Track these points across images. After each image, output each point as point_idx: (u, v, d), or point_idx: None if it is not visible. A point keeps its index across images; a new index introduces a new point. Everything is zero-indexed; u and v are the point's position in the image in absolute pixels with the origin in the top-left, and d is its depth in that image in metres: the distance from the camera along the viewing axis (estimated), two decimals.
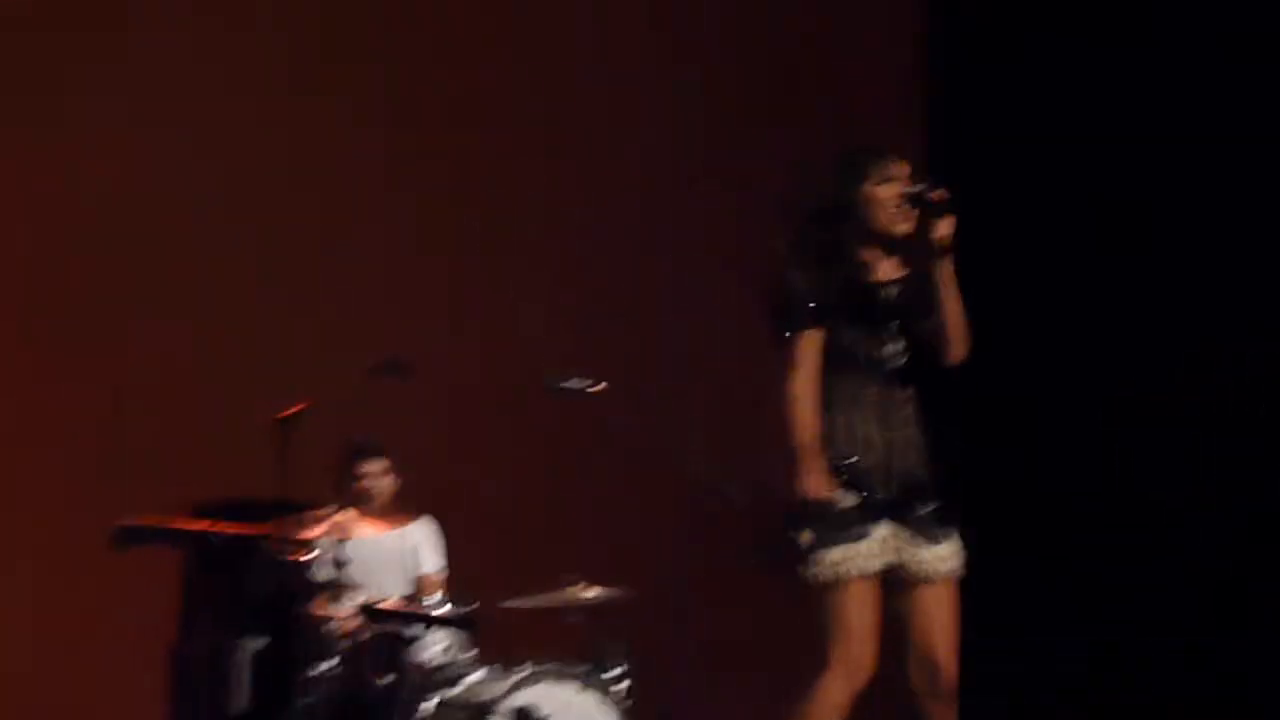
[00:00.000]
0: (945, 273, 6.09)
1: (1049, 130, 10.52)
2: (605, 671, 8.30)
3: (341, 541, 8.43)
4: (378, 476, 8.92)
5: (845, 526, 5.98)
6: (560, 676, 8.14)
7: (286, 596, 8.44)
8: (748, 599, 8.71)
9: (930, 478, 6.16)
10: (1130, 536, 10.02)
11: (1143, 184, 10.09)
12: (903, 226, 6.14)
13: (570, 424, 9.36)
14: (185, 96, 10.03)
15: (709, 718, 8.84)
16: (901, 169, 6.18)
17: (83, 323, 9.74)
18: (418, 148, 10.58)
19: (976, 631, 9.60)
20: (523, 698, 8.00)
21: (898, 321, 6.15)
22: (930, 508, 6.12)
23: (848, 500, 6.00)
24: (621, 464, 10.20)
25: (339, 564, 8.36)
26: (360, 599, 8.42)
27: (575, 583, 8.42)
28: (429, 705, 8.11)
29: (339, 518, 8.43)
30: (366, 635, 8.28)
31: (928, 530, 6.09)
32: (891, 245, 6.18)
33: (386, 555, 8.91)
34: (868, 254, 6.19)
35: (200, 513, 8.64)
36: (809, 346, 6.08)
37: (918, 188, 6.13)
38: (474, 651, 8.37)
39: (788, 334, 6.11)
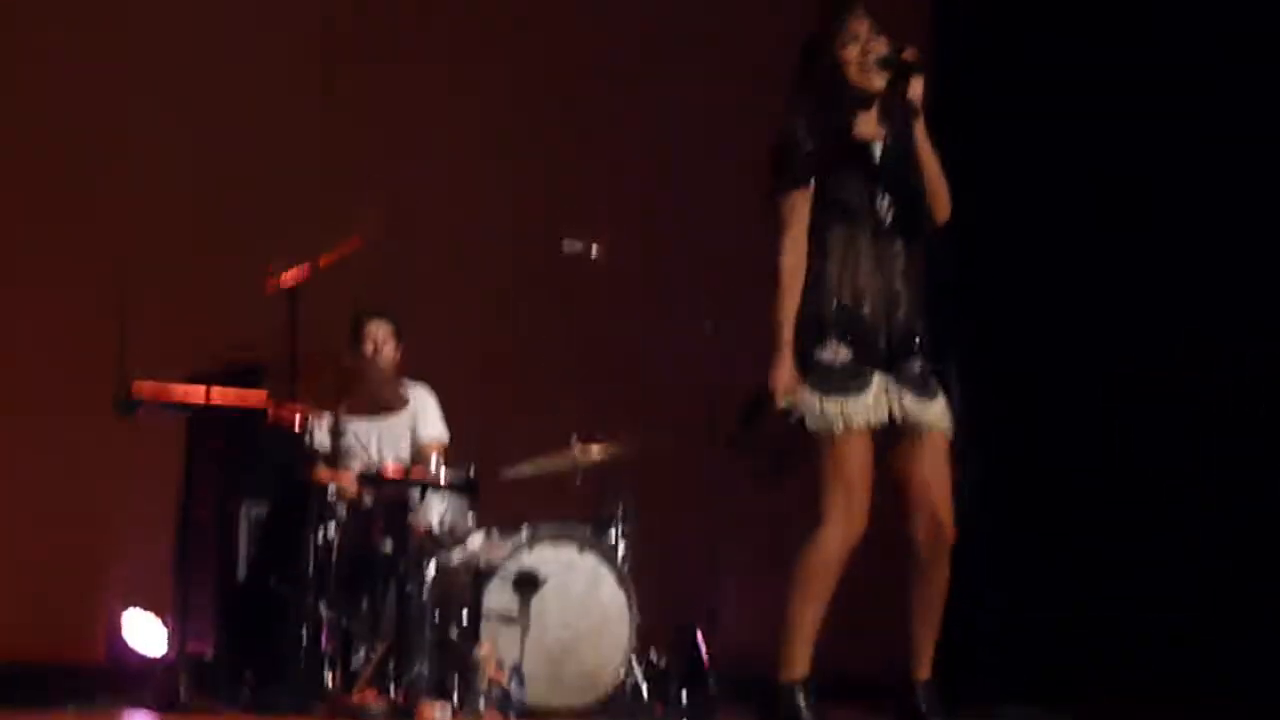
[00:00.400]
0: (920, 131, 5.97)
1: (1052, 107, 10.34)
2: (605, 532, 8.28)
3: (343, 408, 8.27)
4: (384, 339, 8.77)
5: (843, 379, 5.83)
6: (559, 539, 8.09)
7: (289, 462, 8.40)
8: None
9: (924, 333, 6.00)
10: (1130, 513, 9.84)
11: (1144, 160, 9.87)
12: (875, 83, 5.99)
13: (569, 282, 9.37)
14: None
15: (717, 580, 8.57)
16: (862, 25, 6.03)
17: (84, 192, 9.75)
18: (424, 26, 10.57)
19: (979, 606, 9.48)
20: (523, 561, 7.96)
21: (885, 180, 5.98)
22: (919, 366, 5.95)
23: (844, 353, 5.86)
24: (625, 325, 10.18)
25: (338, 431, 8.23)
26: (360, 466, 8.33)
27: (578, 443, 8.39)
28: (430, 569, 8.04)
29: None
30: (368, 501, 8.21)
31: (920, 386, 5.93)
32: (868, 102, 6.04)
33: (390, 420, 8.76)
34: (849, 113, 6.05)
35: (205, 378, 8.32)
36: (800, 204, 5.95)
37: (887, 50, 5.98)
38: (472, 516, 8.26)
39: (779, 192, 5.97)
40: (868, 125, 6.04)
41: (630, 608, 8.05)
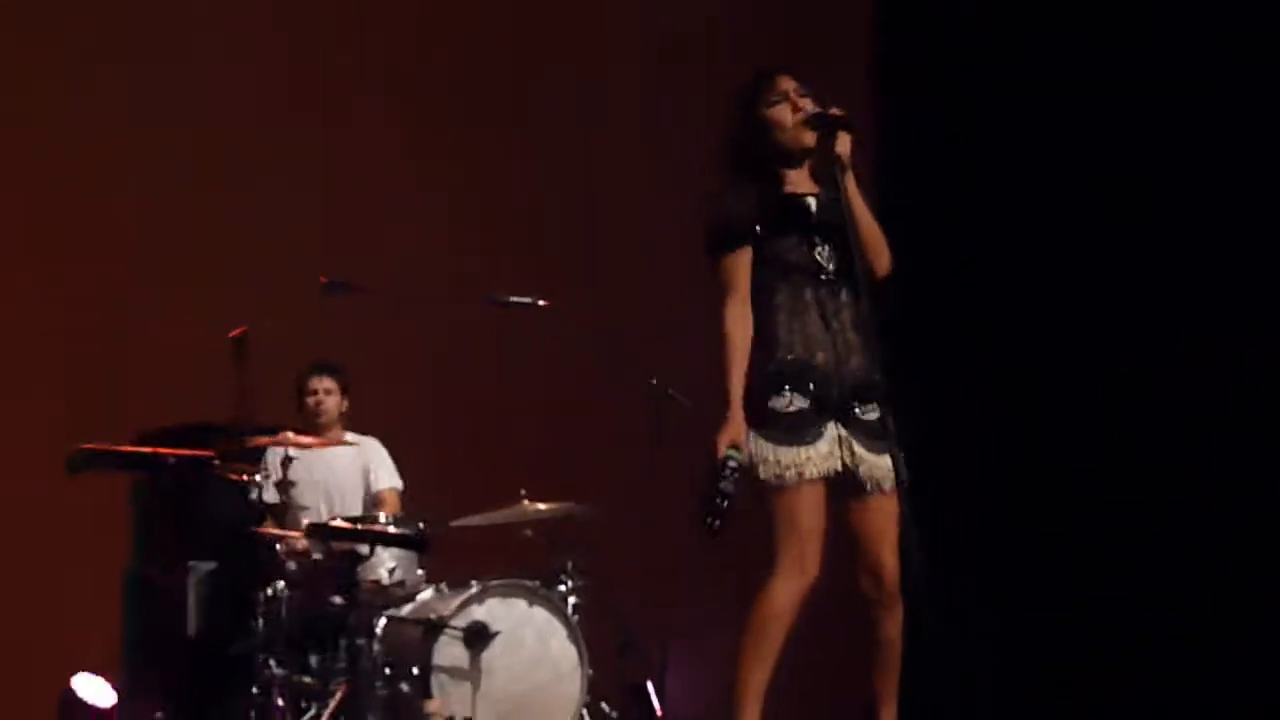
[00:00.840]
0: (850, 186, 5.85)
1: (1052, 107, 10.07)
2: (555, 586, 8.20)
3: (290, 462, 8.23)
4: (326, 393, 8.79)
5: (797, 429, 5.72)
6: (509, 592, 8.00)
7: (237, 518, 8.32)
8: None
9: (877, 383, 5.82)
10: (1130, 513, 9.54)
11: (1144, 160, 9.59)
12: (805, 140, 5.91)
13: (518, 344, 9.37)
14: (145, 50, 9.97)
15: (663, 627, 8.48)
16: (789, 84, 5.97)
17: (35, 250, 9.56)
18: (361, 80, 10.51)
19: (977, 605, 9.57)
20: (473, 615, 7.86)
21: (823, 231, 5.88)
22: (875, 414, 5.80)
23: (799, 403, 5.74)
24: (570, 382, 10.07)
25: (286, 486, 8.21)
26: (309, 519, 8.28)
27: (525, 499, 8.32)
28: (380, 624, 8.00)
29: (288, 438, 8.28)
30: (318, 555, 8.14)
31: (874, 435, 5.79)
32: (800, 159, 5.96)
33: (341, 474, 8.81)
34: (782, 170, 5.96)
35: (152, 437, 8.43)
36: (738, 266, 5.87)
37: (816, 110, 5.91)
38: (422, 571, 8.31)
39: (716, 258, 5.91)
40: (802, 182, 5.95)
41: (581, 661, 7.95)
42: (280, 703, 7.75)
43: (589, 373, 9.56)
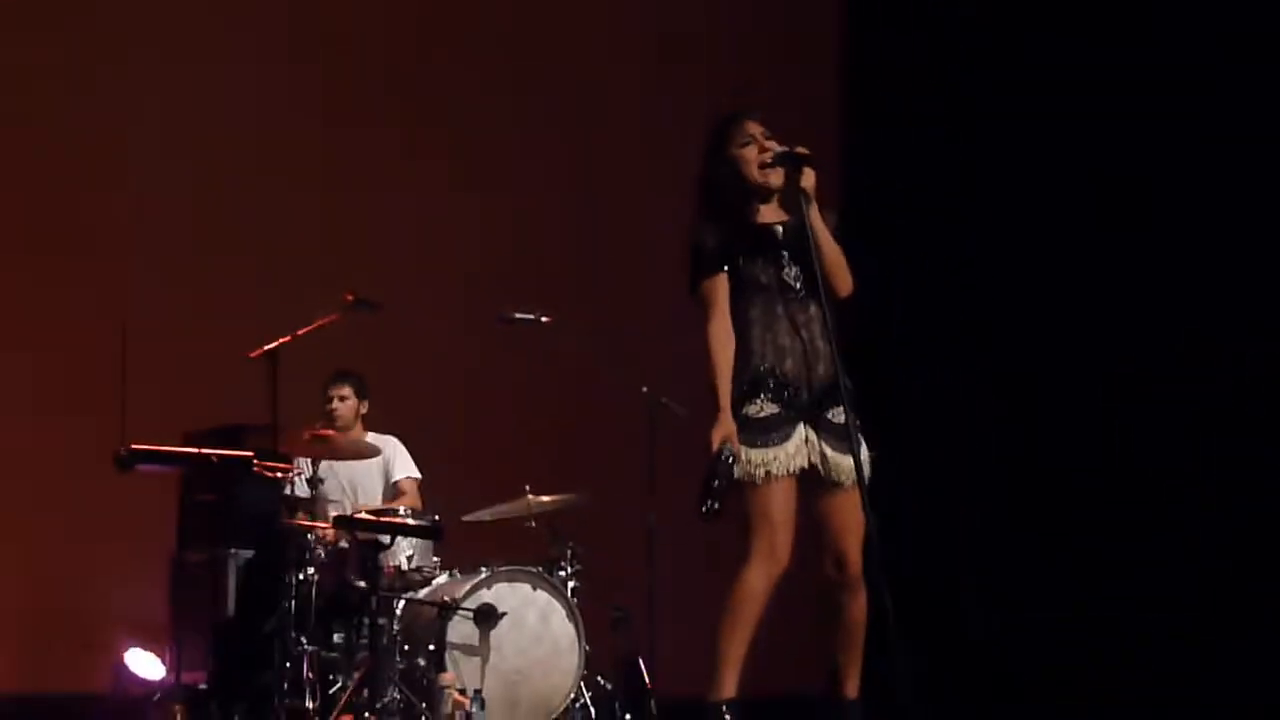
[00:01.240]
0: (813, 217, 5.97)
1: (1052, 107, 9.99)
2: (556, 571, 8.31)
3: (319, 460, 8.44)
4: (341, 400, 8.92)
5: (767, 431, 5.89)
6: (515, 577, 8.13)
7: (272, 511, 8.42)
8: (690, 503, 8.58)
9: (844, 388, 5.94)
10: (1130, 513, 9.46)
11: (1143, 160, 9.52)
12: (772, 179, 6.06)
13: (524, 354, 9.49)
14: (193, 56, 10.17)
15: (655, 612, 8.57)
16: (756, 127, 6.10)
17: (94, 266, 9.80)
18: (392, 103, 10.68)
19: (978, 603, 9.77)
20: (482, 597, 8.00)
21: (790, 254, 6.04)
22: (843, 416, 5.89)
23: (770, 408, 5.91)
24: (571, 389, 10.20)
25: (316, 482, 8.38)
26: (336, 511, 8.41)
27: (529, 493, 8.45)
28: (399, 605, 8.14)
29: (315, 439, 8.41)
30: (344, 544, 8.25)
31: (841, 436, 5.91)
32: (768, 195, 6.10)
33: (363, 470, 8.93)
34: (751, 205, 6.12)
35: (195, 438, 8.63)
36: (717, 289, 6.01)
37: (783, 149, 6.02)
38: (437, 558, 8.44)
39: (697, 283, 6.06)
40: (771, 212, 6.09)
41: (579, 638, 8.08)
42: (309, 675, 7.87)
43: (588, 380, 9.66)
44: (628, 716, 8.34)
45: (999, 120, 10.17)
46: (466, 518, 8.58)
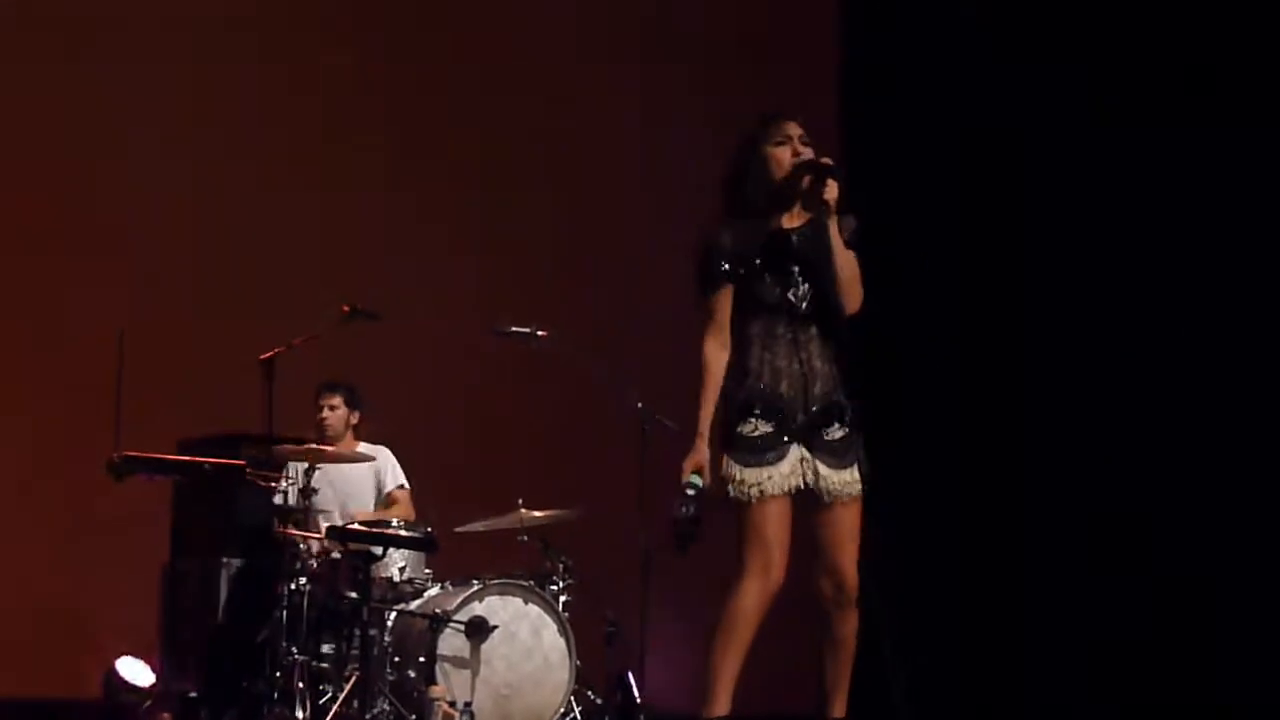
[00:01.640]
0: (833, 229, 5.87)
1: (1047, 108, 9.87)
2: (548, 585, 8.28)
3: (312, 470, 8.30)
4: (331, 409, 8.90)
5: (761, 450, 5.78)
6: (507, 590, 8.10)
7: (264, 520, 8.37)
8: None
9: (843, 406, 5.88)
10: (1122, 531, 9.34)
11: (1145, 160, 9.37)
12: (796, 184, 5.90)
13: (518, 368, 9.41)
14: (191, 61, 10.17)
15: (646, 627, 8.41)
16: (795, 129, 5.98)
17: (91, 273, 9.76)
18: (388, 116, 10.66)
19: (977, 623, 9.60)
20: (474, 610, 7.96)
21: (801, 267, 5.90)
22: (840, 434, 5.84)
23: (764, 428, 5.79)
24: (564, 403, 10.11)
25: (308, 491, 8.25)
26: (328, 522, 8.36)
27: (522, 507, 8.41)
28: (390, 617, 8.12)
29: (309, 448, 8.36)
30: (336, 554, 8.19)
31: (837, 454, 5.84)
32: (792, 197, 5.97)
33: (355, 481, 8.88)
34: (773, 206, 5.98)
35: (189, 447, 8.62)
36: (721, 303, 5.90)
37: (809, 157, 5.91)
38: (429, 570, 8.44)
39: (703, 295, 5.94)
40: (791, 216, 5.97)
41: (570, 653, 8.05)
42: (300, 685, 7.77)
43: (583, 394, 9.49)
44: None
45: (1000, 120, 10.08)
46: (459, 530, 8.53)
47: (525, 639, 8.03)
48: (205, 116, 10.18)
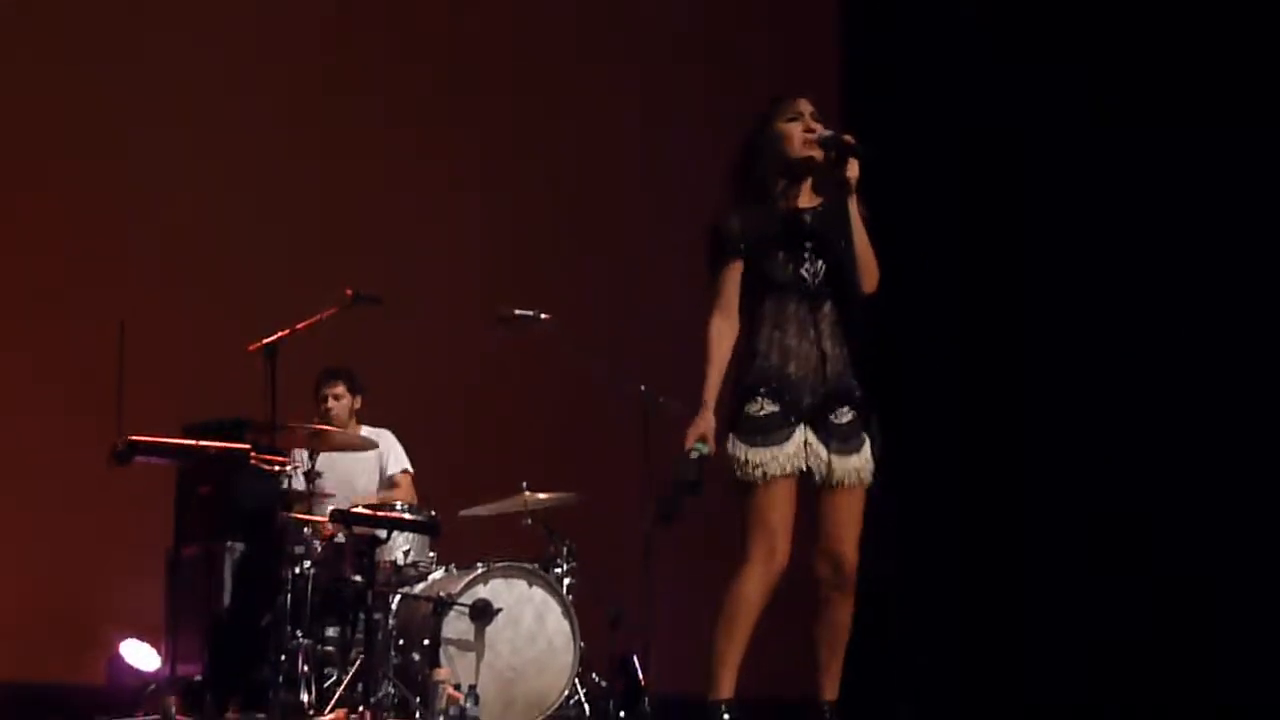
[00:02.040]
0: (853, 208, 5.82)
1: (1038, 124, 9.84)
2: (552, 568, 8.25)
3: (315, 454, 8.26)
4: (335, 399, 8.88)
5: (767, 431, 5.71)
6: (511, 574, 8.06)
7: (268, 504, 8.30)
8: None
9: (852, 389, 5.83)
10: (1118, 538, 9.31)
11: (1148, 161, 9.32)
12: (813, 153, 5.85)
13: (522, 351, 9.29)
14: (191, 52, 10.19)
15: (650, 611, 8.39)
16: (807, 106, 5.92)
17: (93, 258, 9.76)
18: (390, 103, 10.63)
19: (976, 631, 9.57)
20: (478, 593, 7.93)
21: (815, 244, 5.85)
22: (849, 417, 5.79)
23: (770, 408, 5.72)
24: (568, 386, 10.02)
25: (312, 475, 8.20)
26: (333, 505, 8.23)
27: (527, 490, 8.39)
28: (395, 600, 8.08)
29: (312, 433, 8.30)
30: (340, 538, 8.13)
31: (844, 438, 5.77)
32: (805, 174, 5.91)
33: (359, 464, 8.84)
34: (785, 184, 5.92)
35: (194, 430, 8.52)
36: (730, 279, 5.83)
37: (831, 133, 5.85)
38: (433, 554, 8.37)
39: (713, 268, 5.87)
40: (803, 195, 5.91)
41: (574, 636, 8.01)
42: (304, 669, 7.74)
43: (586, 377, 9.37)
44: (622, 714, 8.23)
45: (1003, 121, 10.01)
46: (463, 513, 8.50)
47: (529, 622, 7.99)
48: (205, 104, 10.14)
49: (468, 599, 7.85)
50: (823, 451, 5.75)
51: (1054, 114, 9.75)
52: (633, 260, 10.61)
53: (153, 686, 8.27)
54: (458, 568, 8.15)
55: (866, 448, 5.82)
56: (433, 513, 8.18)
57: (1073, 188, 9.67)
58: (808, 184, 5.92)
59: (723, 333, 5.79)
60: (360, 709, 7.44)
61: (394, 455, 8.89)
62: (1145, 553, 9.18)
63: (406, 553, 8.22)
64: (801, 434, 5.75)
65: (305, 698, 7.71)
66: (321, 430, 8.33)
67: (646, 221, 10.61)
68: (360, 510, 8.00)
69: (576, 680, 8.02)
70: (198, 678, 8.29)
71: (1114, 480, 9.35)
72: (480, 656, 7.84)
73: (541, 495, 8.39)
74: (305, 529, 8.03)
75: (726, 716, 5.68)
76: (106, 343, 8.67)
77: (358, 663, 7.77)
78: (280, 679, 7.72)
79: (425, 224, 10.48)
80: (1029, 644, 9.55)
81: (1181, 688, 8.84)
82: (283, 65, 10.35)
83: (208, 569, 8.60)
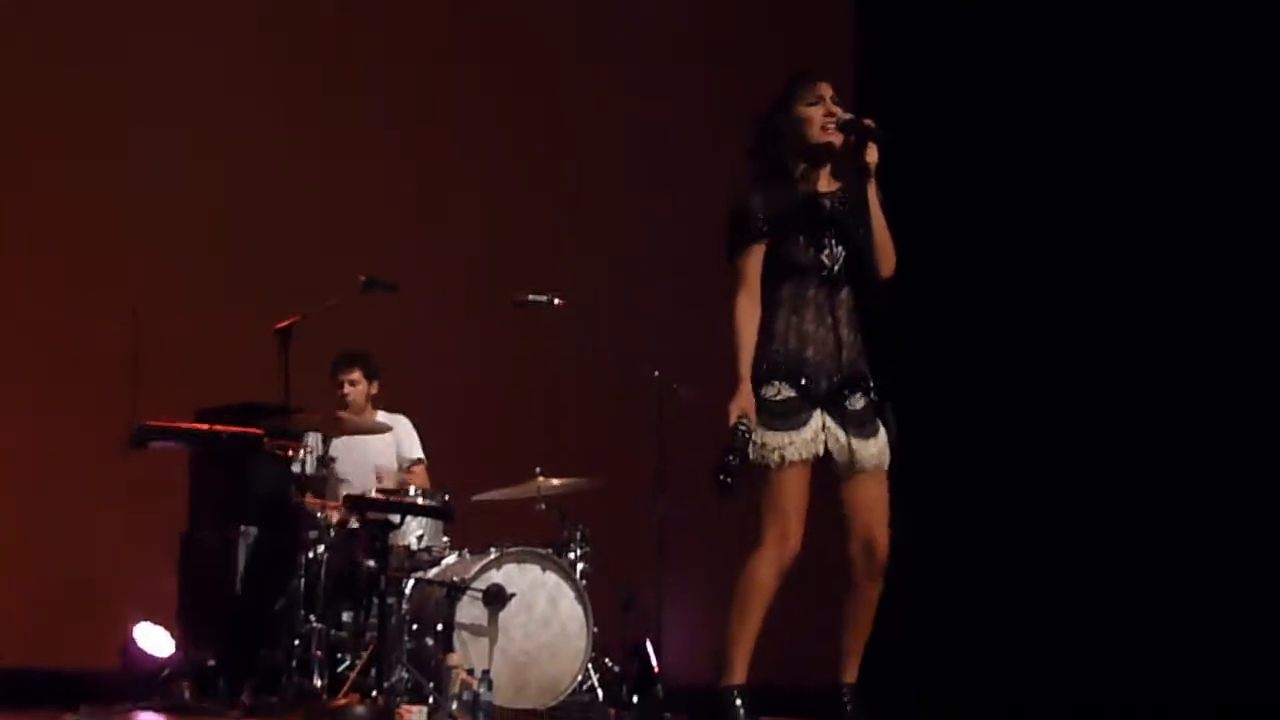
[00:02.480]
0: (872, 192, 5.78)
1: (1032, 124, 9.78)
2: (565, 553, 8.21)
3: (329, 439, 8.27)
4: (351, 384, 8.81)
5: (784, 415, 5.65)
6: (524, 558, 8.01)
7: (282, 489, 8.29)
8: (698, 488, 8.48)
9: (865, 375, 5.78)
10: (1116, 535, 9.23)
11: (1151, 163, 9.25)
12: (833, 139, 5.80)
13: (536, 337, 9.34)
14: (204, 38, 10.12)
15: (663, 596, 8.40)
16: (827, 89, 5.86)
17: (108, 244, 9.70)
18: (406, 89, 10.61)
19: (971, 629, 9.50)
20: (492, 578, 7.89)
21: (835, 230, 5.80)
22: (862, 403, 5.74)
23: (787, 392, 5.67)
24: (582, 372, 10.05)
25: (326, 460, 8.22)
26: (347, 490, 8.29)
27: (540, 475, 8.34)
28: (408, 585, 8.06)
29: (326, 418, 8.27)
30: (354, 523, 8.10)
31: (860, 424, 5.72)
32: (824, 158, 5.87)
33: (374, 450, 8.79)
34: (805, 168, 5.87)
35: (207, 416, 8.51)
36: (751, 262, 5.76)
37: (850, 116, 5.80)
38: (447, 538, 8.37)
39: (734, 251, 5.80)
40: (822, 180, 5.86)
41: (587, 621, 7.97)
42: (317, 654, 7.71)
43: (599, 364, 9.53)
44: (635, 699, 8.19)
45: (1009, 121, 9.95)
46: (476, 498, 8.45)
47: (543, 607, 7.95)
48: (218, 89, 10.10)
49: (481, 584, 7.81)
50: (841, 435, 5.71)
51: (1064, 111, 9.73)
52: (648, 245, 10.54)
53: (167, 671, 8.26)
54: (471, 553, 8.11)
55: (882, 433, 5.77)
56: (446, 498, 8.14)
57: (1072, 187, 9.65)
58: (827, 169, 5.87)
59: (748, 313, 5.74)
60: (373, 694, 7.41)
61: (409, 443, 8.88)
62: (1145, 551, 9.13)
63: (420, 538, 8.21)
64: (819, 419, 5.70)
65: (318, 682, 7.68)
66: (335, 415, 8.28)
67: (662, 204, 10.55)
68: (374, 495, 7.98)
69: (590, 666, 7.98)
70: (211, 662, 8.29)
71: (1112, 481, 9.31)
72: (493, 641, 7.80)
73: (555, 481, 8.35)
74: (319, 514, 8.00)
75: (739, 702, 5.64)
76: (121, 330, 8.66)
77: (371, 648, 7.72)
78: (294, 664, 7.69)
79: (441, 209, 10.45)
80: (1029, 641, 9.51)
81: (1180, 687, 8.78)
82: (291, 46, 10.34)
83: (222, 554, 8.60)
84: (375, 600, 7.79)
